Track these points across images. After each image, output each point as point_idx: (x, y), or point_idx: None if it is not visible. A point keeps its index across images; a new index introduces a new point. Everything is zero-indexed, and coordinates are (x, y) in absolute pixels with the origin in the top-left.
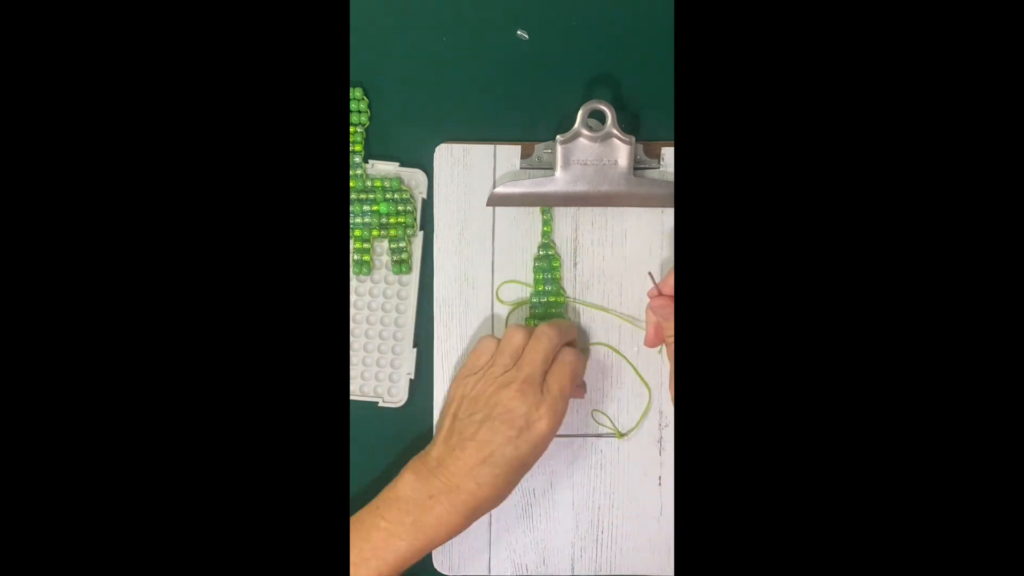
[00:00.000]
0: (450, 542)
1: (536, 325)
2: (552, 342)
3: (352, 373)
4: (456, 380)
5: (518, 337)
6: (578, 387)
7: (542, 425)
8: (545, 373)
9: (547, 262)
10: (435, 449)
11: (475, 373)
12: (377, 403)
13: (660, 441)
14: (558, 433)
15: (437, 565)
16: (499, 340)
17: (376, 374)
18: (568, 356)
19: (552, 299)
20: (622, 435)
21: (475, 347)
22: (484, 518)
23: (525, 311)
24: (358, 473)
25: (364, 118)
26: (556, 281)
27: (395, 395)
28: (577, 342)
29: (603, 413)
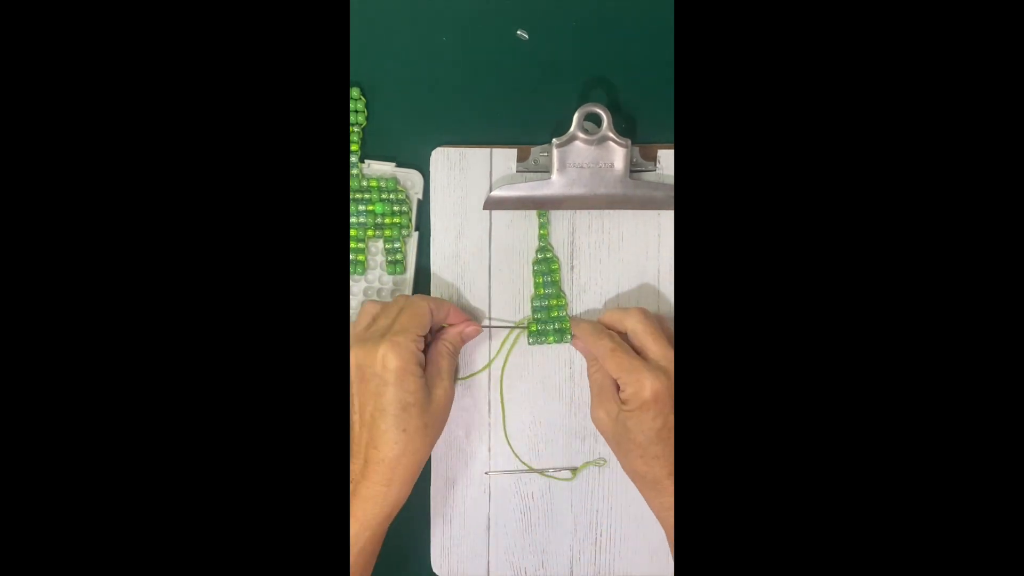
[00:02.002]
0: (449, 545)
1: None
2: (399, 301)
3: None
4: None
5: (369, 307)
6: (464, 324)
7: (388, 360)
8: (390, 327)
9: (546, 265)
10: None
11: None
12: None
13: None
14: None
15: (436, 568)
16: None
17: None
18: (416, 300)
19: (553, 302)
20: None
21: None
22: (483, 521)
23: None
24: None
25: (361, 118)
26: (556, 284)
27: None
28: (457, 317)
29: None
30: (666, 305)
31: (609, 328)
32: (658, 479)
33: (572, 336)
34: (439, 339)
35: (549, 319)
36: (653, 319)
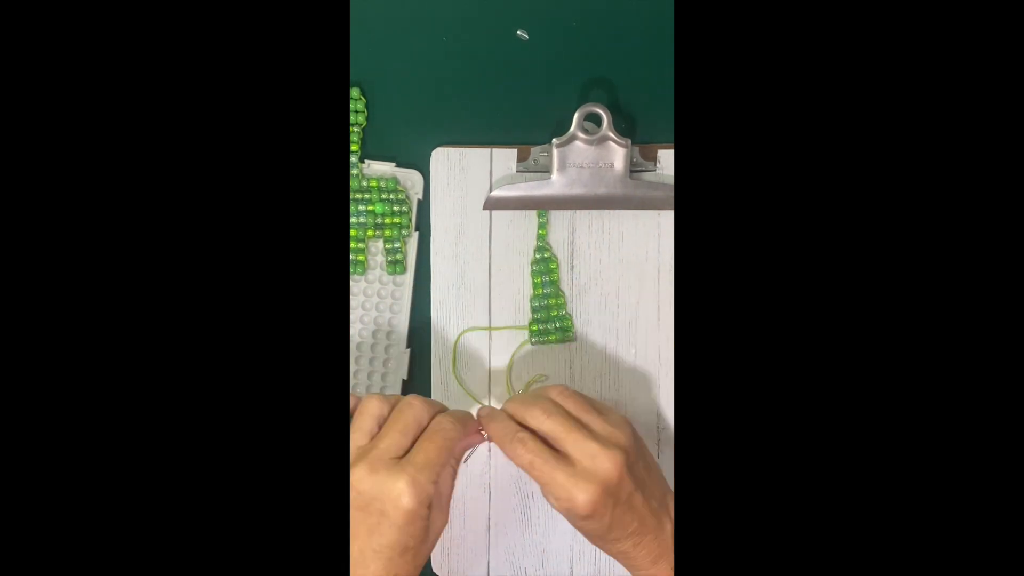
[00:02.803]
0: (449, 546)
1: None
2: (416, 412)
3: None
4: None
5: (373, 406)
6: (474, 437)
7: (403, 502)
8: (407, 446)
9: (544, 265)
10: None
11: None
12: None
13: (658, 443)
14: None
15: (436, 569)
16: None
17: (369, 375)
18: (442, 422)
19: (552, 301)
20: None
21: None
22: (483, 521)
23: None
24: None
25: (361, 118)
26: (555, 284)
27: (389, 395)
28: (459, 412)
29: None
30: (666, 305)
31: (520, 423)
32: (623, 553)
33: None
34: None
35: (550, 319)
36: (555, 408)
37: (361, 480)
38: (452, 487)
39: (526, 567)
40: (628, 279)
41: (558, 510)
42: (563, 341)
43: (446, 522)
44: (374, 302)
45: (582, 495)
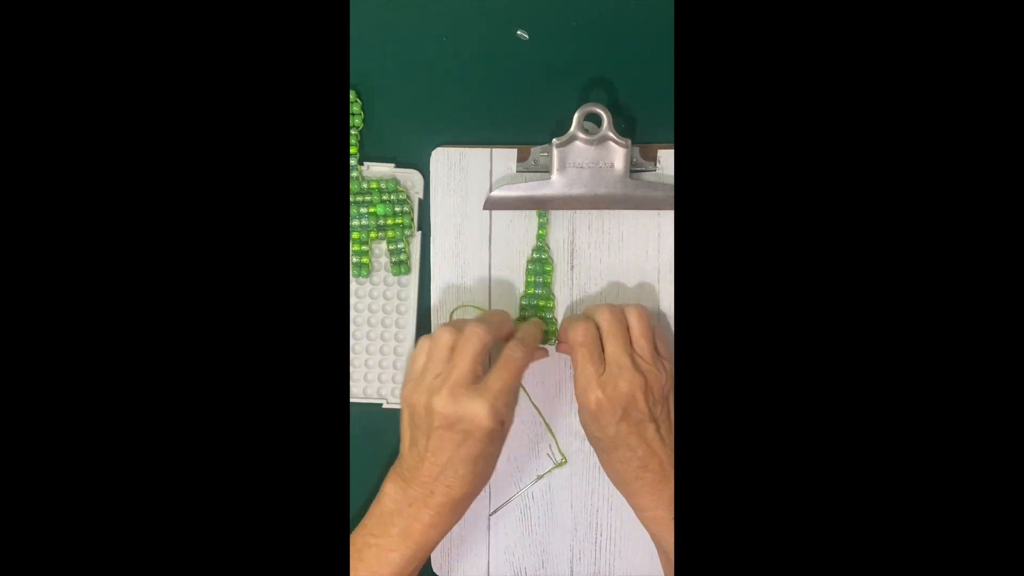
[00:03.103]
0: (448, 545)
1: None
2: (482, 340)
3: (355, 375)
4: (403, 386)
5: (445, 338)
6: (539, 349)
7: (484, 422)
8: (480, 371)
9: (540, 265)
10: (405, 458)
11: (413, 379)
12: (381, 405)
13: None
14: None
15: (436, 568)
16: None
17: (379, 375)
18: (513, 351)
19: (541, 303)
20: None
21: (413, 350)
22: (482, 522)
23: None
24: (363, 474)
25: (358, 120)
26: (547, 285)
27: (398, 396)
28: (524, 332)
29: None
30: (666, 305)
31: (589, 318)
32: (625, 482)
33: (558, 341)
34: (507, 369)
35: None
36: (619, 318)
37: (445, 405)
38: (517, 395)
39: (526, 567)
40: (628, 279)
41: (577, 401)
42: (545, 343)
43: (512, 423)
44: (380, 303)
45: (594, 392)
